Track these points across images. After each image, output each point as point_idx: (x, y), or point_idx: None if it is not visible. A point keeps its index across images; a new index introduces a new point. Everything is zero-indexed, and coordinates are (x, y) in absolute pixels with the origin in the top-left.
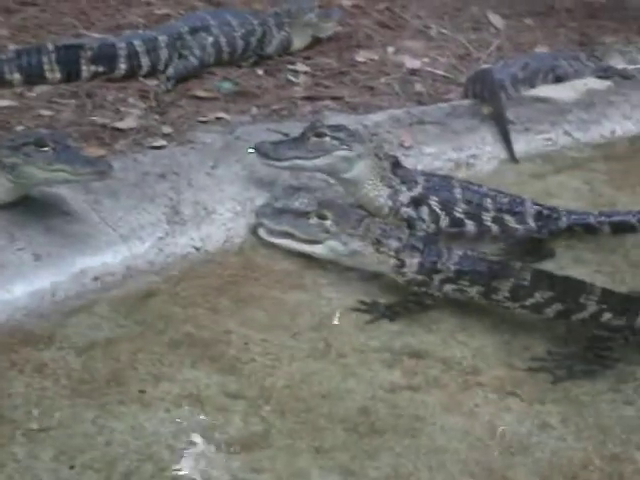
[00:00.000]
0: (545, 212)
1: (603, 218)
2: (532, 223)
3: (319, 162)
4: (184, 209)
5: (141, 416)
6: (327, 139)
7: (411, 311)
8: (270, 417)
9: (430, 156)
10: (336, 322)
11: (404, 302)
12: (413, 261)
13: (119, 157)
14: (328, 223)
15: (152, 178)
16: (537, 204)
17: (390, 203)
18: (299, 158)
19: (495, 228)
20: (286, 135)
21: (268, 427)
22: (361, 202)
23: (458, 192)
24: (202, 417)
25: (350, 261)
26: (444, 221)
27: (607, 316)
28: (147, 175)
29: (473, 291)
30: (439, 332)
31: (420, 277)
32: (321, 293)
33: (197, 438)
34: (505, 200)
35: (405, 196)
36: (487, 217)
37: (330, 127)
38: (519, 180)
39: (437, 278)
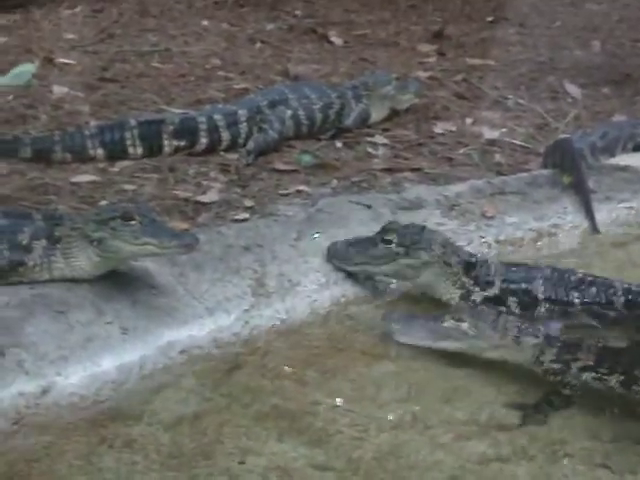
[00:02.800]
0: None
1: None
2: (623, 310)
3: (385, 269)
4: (269, 281)
5: None
6: (392, 246)
7: (555, 406)
8: None
9: (512, 226)
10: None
11: (546, 398)
12: (552, 351)
13: (202, 230)
14: (465, 326)
15: (236, 251)
16: (628, 286)
17: (462, 304)
18: (367, 264)
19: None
20: (369, 207)
21: None
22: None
23: (541, 290)
24: None
25: (490, 354)
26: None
27: None
28: (231, 248)
29: (613, 380)
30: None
31: (557, 366)
32: (406, 364)
33: None
34: (594, 291)
35: (479, 296)
36: (573, 310)
37: (399, 232)
38: (601, 249)
39: (575, 366)
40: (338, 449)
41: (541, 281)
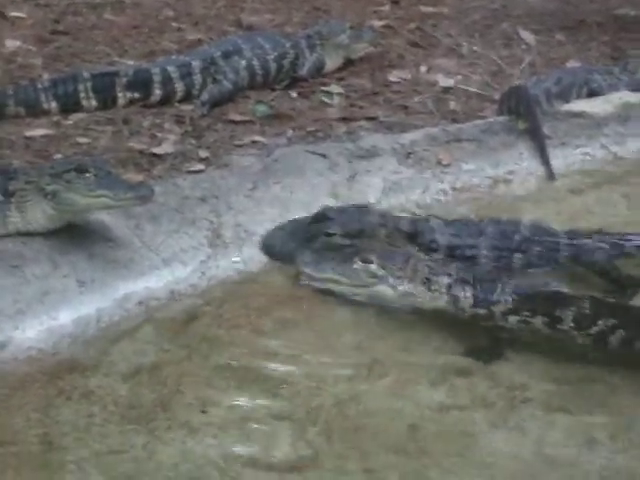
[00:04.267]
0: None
1: None
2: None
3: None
4: (225, 232)
5: (189, 441)
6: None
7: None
8: (317, 439)
9: (468, 173)
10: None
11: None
12: (466, 294)
13: (158, 182)
14: (373, 267)
15: (192, 202)
16: (573, 239)
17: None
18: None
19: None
20: (324, 156)
21: (316, 449)
22: None
23: (483, 245)
24: (250, 440)
25: (402, 302)
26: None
27: None
28: (187, 199)
29: (538, 321)
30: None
31: (482, 311)
32: (364, 311)
33: (246, 461)
34: (538, 249)
35: None
36: (517, 260)
37: (339, 222)
38: (557, 196)
39: (497, 310)
40: (297, 399)
41: (483, 237)
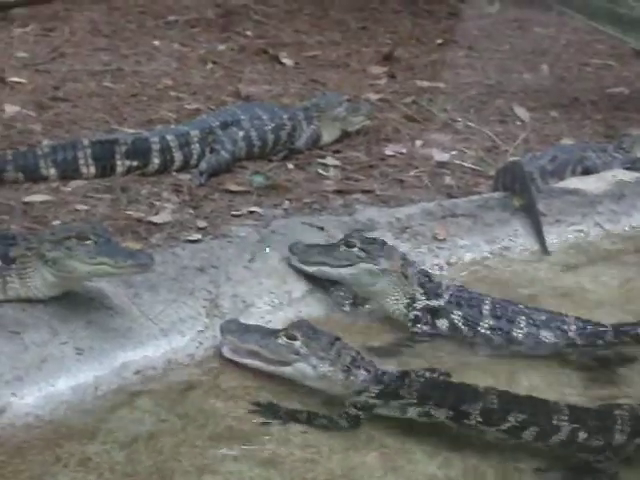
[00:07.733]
0: (589, 327)
1: None
2: (576, 337)
3: (343, 271)
4: (223, 302)
5: None
6: (355, 250)
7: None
8: None
9: (463, 248)
10: None
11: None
12: (375, 388)
13: (156, 251)
14: (297, 344)
15: (191, 272)
16: (581, 320)
17: (405, 311)
18: (325, 264)
19: (528, 342)
20: (321, 229)
21: None
22: (378, 308)
23: (486, 308)
24: None
25: (317, 384)
26: (468, 335)
27: (582, 436)
28: (186, 269)
29: (442, 415)
30: None
31: (377, 401)
32: None
33: None
34: (543, 318)
35: (422, 304)
36: (518, 333)
37: (364, 239)
38: (552, 273)
39: (397, 403)
40: (292, 471)
41: (488, 300)
